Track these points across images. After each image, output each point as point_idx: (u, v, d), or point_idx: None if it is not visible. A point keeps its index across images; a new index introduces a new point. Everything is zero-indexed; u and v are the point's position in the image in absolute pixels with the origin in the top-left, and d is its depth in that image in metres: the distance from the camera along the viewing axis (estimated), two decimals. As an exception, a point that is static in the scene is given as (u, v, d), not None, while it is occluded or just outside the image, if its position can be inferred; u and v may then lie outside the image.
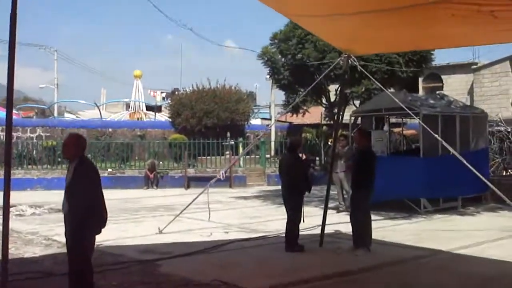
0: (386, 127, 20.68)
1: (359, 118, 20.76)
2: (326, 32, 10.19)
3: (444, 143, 12.76)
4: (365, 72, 13.99)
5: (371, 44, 10.30)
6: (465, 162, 12.49)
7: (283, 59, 33.22)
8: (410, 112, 13.57)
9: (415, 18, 7.95)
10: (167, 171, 28.48)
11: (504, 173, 24.91)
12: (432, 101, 18.48)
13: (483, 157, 18.92)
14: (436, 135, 12.98)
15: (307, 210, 12.04)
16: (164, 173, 28.17)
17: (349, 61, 11.44)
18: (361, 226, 10.87)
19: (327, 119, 36.36)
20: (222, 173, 13.25)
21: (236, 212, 18.04)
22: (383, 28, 8.77)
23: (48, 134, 35.76)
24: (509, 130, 27.04)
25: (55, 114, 53.62)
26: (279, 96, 38.71)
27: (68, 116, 53.03)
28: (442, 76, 42.01)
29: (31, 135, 35.46)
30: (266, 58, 33.10)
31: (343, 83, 12.44)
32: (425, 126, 14.07)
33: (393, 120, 22.77)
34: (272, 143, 36.55)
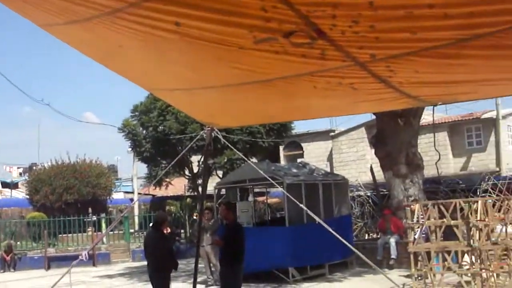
0: (251, 198, 20.70)
1: (223, 190, 20.63)
2: (187, 105, 9.99)
3: (308, 211, 12.74)
4: (228, 144, 13.89)
5: (235, 117, 10.21)
6: (329, 229, 12.52)
7: (144, 132, 32.89)
8: (274, 182, 13.54)
9: (279, 91, 7.92)
10: (26, 252, 26.99)
11: (366, 237, 25.51)
12: (295, 170, 18.71)
13: (346, 223, 19.29)
14: (300, 204, 12.95)
15: (175, 286, 11.62)
16: (22, 254, 26.65)
17: (212, 133, 11.30)
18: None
19: (190, 190, 36.09)
20: (85, 254, 12.54)
21: (100, 293, 17.22)
22: (247, 102, 8.69)
23: None
24: (368, 194, 27.86)
25: None
26: (142, 168, 38.19)
27: None
28: (302, 144, 43.02)
29: None
30: (127, 131, 32.63)
31: (207, 155, 12.18)
32: (289, 195, 14.06)
33: (256, 189, 22.82)
34: (136, 218, 35.69)
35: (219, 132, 11.36)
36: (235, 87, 8.03)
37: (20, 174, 58.29)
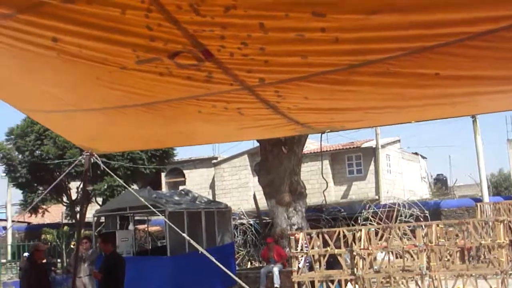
0: (131, 226, 20.01)
1: (103, 217, 19.89)
2: (65, 129, 9.42)
3: (191, 240, 12.36)
4: (108, 170, 13.31)
5: (116, 142, 9.72)
6: (212, 258, 12.22)
7: (20, 156, 31.54)
8: (155, 210, 13.06)
9: (163, 115, 7.55)
10: None
11: (249, 265, 25.32)
12: (177, 198, 18.30)
13: (229, 252, 19.02)
14: (183, 233, 12.55)
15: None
16: None
17: (91, 159, 10.76)
18: None
19: (68, 218, 34.83)
20: None
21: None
22: (128, 126, 8.26)
23: None
24: (251, 222, 27.75)
25: None
26: (17, 194, 36.54)
27: None
28: (184, 171, 42.58)
29: None
30: (1, 155, 31.20)
31: (85, 181, 11.61)
32: (171, 224, 13.68)
33: (137, 217, 22.20)
34: (9, 247, 33.92)
35: (98, 158, 10.83)
36: (115, 110, 7.60)
37: None
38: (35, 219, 37.89)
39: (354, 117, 7.10)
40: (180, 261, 16.30)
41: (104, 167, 12.31)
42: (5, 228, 37.03)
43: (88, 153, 10.51)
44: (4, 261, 30.78)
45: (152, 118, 7.73)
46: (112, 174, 13.76)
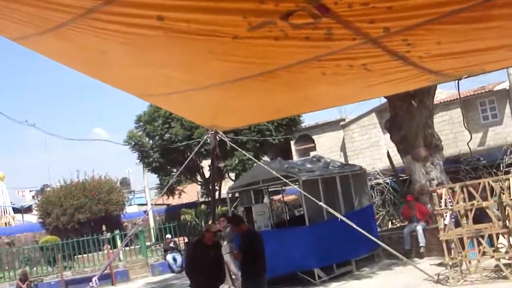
0: (266, 199, 19.80)
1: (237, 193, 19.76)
2: (185, 109, 9.14)
3: (329, 209, 11.90)
4: (234, 146, 13.06)
5: (238, 117, 9.32)
6: (351, 224, 11.77)
7: (150, 141, 32.18)
8: (288, 181, 12.66)
9: (283, 82, 7.06)
10: (42, 278, 26.14)
11: (390, 226, 24.61)
12: (309, 165, 17.82)
13: (369, 214, 18.43)
14: (319, 202, 12.10)
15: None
16: (38, 281, 25.82)
17: (217, 137, 10.50)
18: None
19: (204, 196, 35.32)
20: (95, 280, 11.71)
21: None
22: (249, 99, 7.85)
23: None
24: (387, 181, 26.96)
25: None
26: (154, 179, 37.47)
27: None
28: (313, 137, 42.10)
29: None
30: (133, 143, 31.95)
31: (214, 160, 11.35)
32: (306, 194, 13.24)
33: (271, 188, 21.97)
34: (152, 230, 34.83)
35: (223, 135, 10.57)
36: (233, 84, 7.19)
37: (33, 197, 57.55)
38: (174, 201, 38.73)
39: (496, 57, 6.30)
40: (320, 229, 15.89)
41: (230, 143, 12.09)
42: (145, 212, 38.09)
43: (213, 132, 10.26)
44: (148, 244, 31.57)
45: (272, 87, 7.26)
46: (239, 149, 13.53)
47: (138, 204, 49.79)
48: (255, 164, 21.10)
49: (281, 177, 12.17)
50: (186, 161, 13.95)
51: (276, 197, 29.18)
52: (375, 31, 5.47)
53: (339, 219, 12.50)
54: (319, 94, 7.50)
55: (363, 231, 11.94)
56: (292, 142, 40.53)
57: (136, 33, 5.78)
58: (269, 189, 22.26)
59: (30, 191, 60.36)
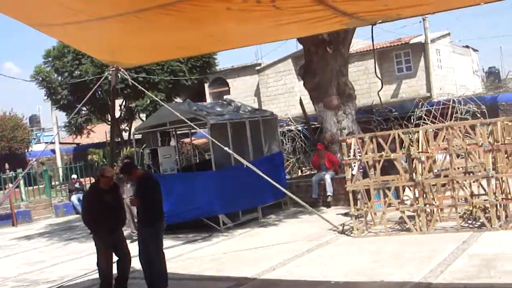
0: (173, 142, 19.21)
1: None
2: (84, 43, 8.46)
3: (235, 155, 11.53)
4: (136, 84, 12.43)
5: (140, 53, 8.68)
6: (257, 171, 11.50)
7: (59, 78, 30.93)
8: (192, 124, 12.13)
9: (186, 17, 6.49)
10: None
11: (299, 173, 24.56)
12: (219, 109, 17.31)
13: (277, 161, 18.16)
14: (225, 148, 11.70)
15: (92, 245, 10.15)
16: None
17: (119, 74, 9.88)
18: (154, 268, 9.21)
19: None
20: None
21: (16, 259, 15.59)
22: (150, 34, 7.24)
23: None
24: (299, 128, 26.83)
25: None
26: (64, 117, 36.25)
27: None
28: (228, 80, 41.60)
29: None
30: (40, 78, 30.62)
31: (114, 97, 10.74)
32: (211, 139, 12.80)
33: (183, 130, 21.41)
34: (60, 170, 33.72)
35: (125, 72, 9.95)
36: (131, 16, 6.58)
37: None
38: (84, 140, 37.65)
39: (414, 1, 5.89)
40: (226, 175, 15.49)
41: (132, 81, 11.46)
42: (53, 151, 36.90)
43: (114, 68, 9.64)
44: (56, 183, 30.60)
45: (175, 22, 6.69)
46: (142, 88, 12.88)
47: (46, 143, 48.23)
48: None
49: (186, 120, 11.64)
50: (87, 97, 13.06)
51: (186, 140, 28.60)
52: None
53: (245, 165, 12.20)
54: (225, 31, 6.97)
55: (269, 179, 11.67)
56: (206, 85, 39.92)
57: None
58: (180, 132, 21.72)
59: None
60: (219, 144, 11.77)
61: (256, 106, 35.95)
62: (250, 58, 56.59)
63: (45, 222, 23.97)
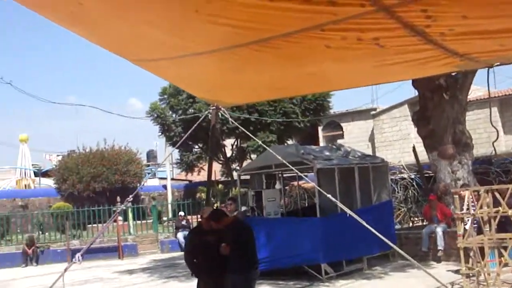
0: (278, 185, 18.80)
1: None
2: (179, 79, 8.17)
3: (338, 203, 10.90)
4: (237, 125, 12.14)
5: (237, 92, 8.31)
6: (363, 222, 10.83)
7: (174, 115, 31.41)
8: (294, 169, 11.64)
9: (282, 54, 6.07)
10: (49, 245, 25.53)
11: (410, 224, 23.49)
12: (328, 153, 16.77)
13: (386, 211, 17.36)
14: (328, 195, 11.11)
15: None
16: (45, 247, 25.23)
17: (220, 113, 9.59)
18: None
19: (224, 175, 34.50)
20: (78, 257, 10.88)
21: (114, 293, 15.58)
22: (245, 71, 6.87)
23: None
24: (412, 177, 25.78)
25: None
26: (174, 153, 36.72)
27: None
28: (342, 124, 41.00)
29: None
30: (155, 115, 31.21)
31: (213, 137, 10.50)
32: (312, 184, 12.26)
33: (291, 174, 20.97)
34: (169, 205, 34.03)
35: (226, 112, 9.64)
36: (226, 52, 6.22)
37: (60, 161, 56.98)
38: (196, 177, 37.95)
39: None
40: (331, 222, 14.85)
41: (233, 121, 11.16)
42: (165, 186, 37.38)
43: (214, 107, 9.34)
44: (165, 219, 30.89)
45: (271, 59, 6.28)
46: (243, 128, 12.54)
47: (160, 178, 49.14)
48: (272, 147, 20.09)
49: (288, 164, 11.18)
50: (184, 137, 12.83)
51: (296, 183, 28.15)
52: (388, -3, 4.51)
53: (348, 215, 11.56)
54: (325, 71, 6.48)
55: (374, 231, 10.99)
56: (319, 128, 39.52)
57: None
58: (289, 174, 21.31)
59: (57, 155, 59.91)
60: (321, 190, 11.21)
61: (369, 151, 35.14)
62: (365, 101, 55.40)
63: (150, 257, 24.07)
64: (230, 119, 10.19)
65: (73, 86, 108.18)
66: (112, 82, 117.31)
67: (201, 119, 10.62)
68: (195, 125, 10.57)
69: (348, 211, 11.38)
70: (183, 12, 5.41)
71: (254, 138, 13.72)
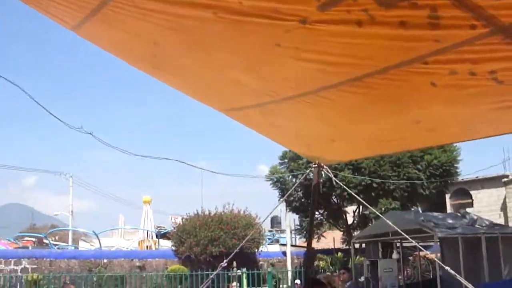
0: (395, 255, 17.43)
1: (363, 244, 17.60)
2: (273, 132, 7.28)
3: (458, 277, 9.59)
4: (341, 184, 11.12)
5: (339, 146, 7.29)
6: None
7: (293, 180, 30.69)
8: (408, 237, 10.43)
9: (378, 96, 5.14)
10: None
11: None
12: (451, 221, 15.38)
13: (519, 288, 15.57)
14: (446, 267, 9.81)
15: None
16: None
17: (322, 172, 8.64)
18: None
19: (345, 243, 33.16)
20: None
21: None
22: (341, 120, 5.96)
23: (34, 266, 32.41)
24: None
25: (70, 242, 52.18)
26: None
27: (82, 245, 50.64)
28: (471, 192, 38.75)
29: (15, 267, 32.01)
30: (275, 179, 30.63)
31: (314, 197, 9.62)
32: (427, 254, 10.95)
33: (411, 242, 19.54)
34: (289, 273, 32.92)
35: (329, 170, 8.66)
36: (317, 96, 5.36)
37: (184, 224, 57.39)
38: (318, 245, 36.81)
39: None
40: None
41: (337, 180, 10.17)
42: (284, 253, 36.42)
43: (315, 165, 8.40)
44: (283, 286, 29.90)
45: (369, 105, 5.33)
46: (348, 189, 11.46)
47: (281, 244, 48.28)
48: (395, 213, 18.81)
49: (400, 231, 10.02)
50: (286, 194, 11.93)
51: (422, 253, 26.52)
52: (508, 14, 3.54)
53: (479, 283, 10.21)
54: (434, 117, 5.41)
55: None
56: (447, 196, 37.51)
57: (181, 15, 4.29)
58: (408, 244, 19.87)
59: (182, 218, 60.34)
60: (438, 261, 9.94)
61: (501, 221, 32.80)
62: (497, 169, 52.43)
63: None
64: (333, 178, 9.22)
65: (204, 153, 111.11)
66: (243, 149, 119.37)
67: (302, 177, 9.76)
68: (297, 183, 9.66)
69: (470, 287, 10.07)
70: (261, 46, 4.65)
71: (368, 206, 12.59)
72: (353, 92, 5.03)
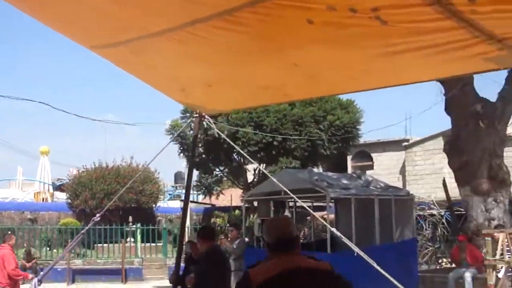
0: (287, 212, 17.14)
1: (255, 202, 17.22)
2: (146, 74, 6.55)
3: (343, 238, 9.29)
4: (225, 137, 10.57)
5: (218, 93, 6.63)
6: (371, 262, 9.24)
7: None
8: (294, 196, 10.02)
9: (254, 34, 4.50)
10: (49, 262, 23.99)
11: (437, 266, 21.57)
12: (345, 181, 15.11)
13: (409, 250, 15.63)
14: (332, 228, 9.49)
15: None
16: (45, 265, 23.67)
17: (204, 122, 8.02)
18: None
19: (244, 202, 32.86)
20: (35, 283, 9.35)
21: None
22: (214, 59, 5.30)
23: None
24: (442, 213, 23.90)
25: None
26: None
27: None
28: (372, 154, 39.08)
29: None
30: (175, 133, 29.76)
31: (194, 149, 8.99)
32: (312, 213, 10.60)
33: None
34: (187, 229, 32.40)
35: (211, 121, 8.06)
36: (184, 32, 4.66)
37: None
38: (221, 201, 36.45)
39: None
40: (342, 259, 13.09)
41: (218, 131, 9.63)
42: (182, 209, 35.91)
43: (197, 115, 7.75)
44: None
45: (242, 42, 4.69)
46: (234, 144, 10.94)
47: (181, 200, 47.79)
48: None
49: (288, 191, 9.58)
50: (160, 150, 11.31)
51: (319, 214, 26.49)
52: None
53: (356, 254, 9.91)
54: (313, 61, 4.81)
55: (385, 273, 9.35)
56: (349, 158, 37.72)
57: None
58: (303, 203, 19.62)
59: (78, 170, 58.66)
60: (324, 222, 9.59)
61: (400, 184, 33.19)
62: (398, 132, 52.49)
63: (155, 283, 22.58)
64: (216, 129, 8.67)
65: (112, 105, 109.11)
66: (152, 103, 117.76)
67: (182, 128, 9.13)
68: (176, 134, 9.01)
69: (356, 249, 9.80)
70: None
71: (252, 161, 12.10)
72: (225, 28, 4.36)
